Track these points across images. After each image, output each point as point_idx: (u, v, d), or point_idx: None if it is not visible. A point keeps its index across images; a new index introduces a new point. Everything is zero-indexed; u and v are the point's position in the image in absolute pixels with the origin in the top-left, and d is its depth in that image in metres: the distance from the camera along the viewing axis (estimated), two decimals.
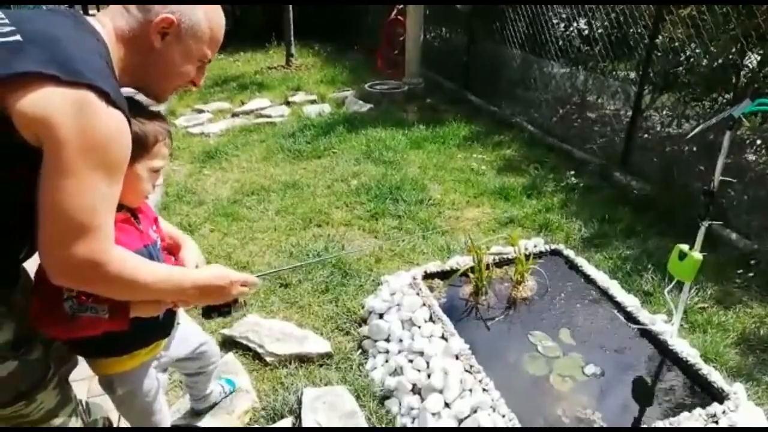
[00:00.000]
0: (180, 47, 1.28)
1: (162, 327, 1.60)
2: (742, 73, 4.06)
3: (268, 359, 2.53)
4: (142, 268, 1.22)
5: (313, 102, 6.42)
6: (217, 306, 1.50)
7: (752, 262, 3.09)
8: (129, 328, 1.33)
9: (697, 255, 2.22)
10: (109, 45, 1.21)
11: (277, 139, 5.21)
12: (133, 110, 1.35)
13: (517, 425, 1.99)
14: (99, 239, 1.11)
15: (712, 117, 2.23)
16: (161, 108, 6.25)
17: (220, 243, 3.47)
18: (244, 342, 2.61)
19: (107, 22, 1.23)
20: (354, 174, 4.45)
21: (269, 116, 5.91)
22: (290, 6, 7.64)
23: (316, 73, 7.74)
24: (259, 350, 2.57)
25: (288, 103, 6.39)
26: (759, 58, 4.01)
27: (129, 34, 1.23)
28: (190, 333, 1.89)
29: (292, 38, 7.92)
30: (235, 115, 6.05)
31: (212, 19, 1.33)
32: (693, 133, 2.18)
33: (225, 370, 2.42)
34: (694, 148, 4.43)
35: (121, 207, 1.39)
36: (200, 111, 6.11)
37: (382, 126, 5.46)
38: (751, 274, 3.04)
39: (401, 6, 6.82)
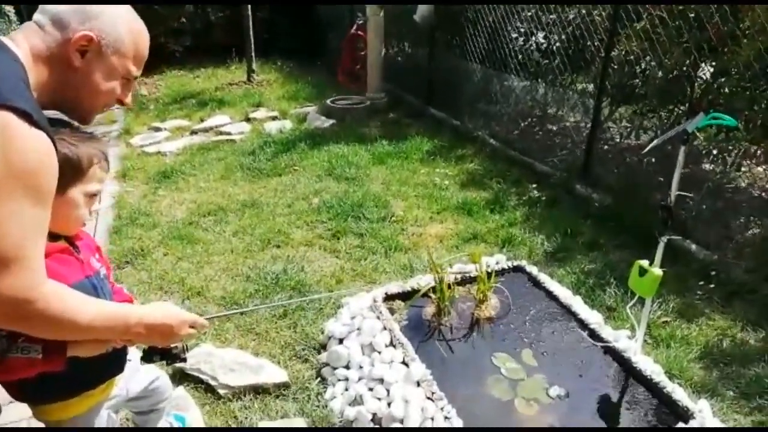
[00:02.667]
0: (102, 65, 1.21)
1: (116, 362, 1.49)
2: (696, 84, 4.12)
3: (221, 392, 2.40)
4: (79, 306, 1.12)
5: (274, 118, 6.31)
6: (161, 348, 1.39)
7: (713, 273, 3.10)
8: (79, 366, 1.24)
9: (657, 271, 2.20)
10: (26, 65, 1.12)
11: (237, 157, 5.08)
12: (65, 132, 1.26)
13: None
14: (24, 274, 1.01)
15: (668, 130, 2.22)
16: (115, 128, 6.07)
17: (173, 267, 3.32)
18: (196, 374, 2.47)
19: (22, 42, 1.15)
20: (315, 192, 4.35)
21: (229, 133, 5.78)
22: (251, 21, 7.54)
23: (278, 88, 7.64)
24: (212, 382, 2.43)
25: (248, 120, 6.27)
26: (712, 69, 4.09)
27: (46, 53, 1.16)
28: (140, 368, 1.76)
29: (253, 54, 7.81)
30: (193, 132, 5.90)
31: (135, 33, 1.26)
32: (649, 147, 2.17)
33: (175, 405, 2.27)
34: (653, 159, 4.48)
35: (58, 237, 1.30)
36: (157, 129, 5.94)
37: (344, 142, 5.39)
38: (712, 285, 3.04)
39: (361, 21, 6.79)
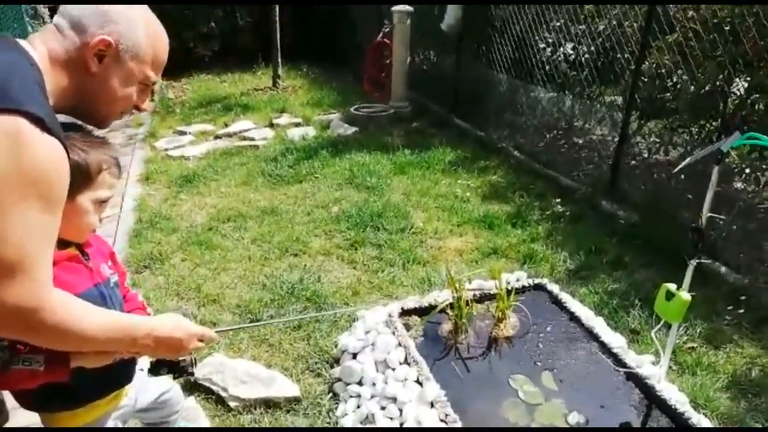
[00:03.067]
0: (120, 70, 1.20)
1: (124, 372, 1.47)
2: (730, 100, 3.99)
3: (232, 404, 2.37)
4: (85, 316, 1.10)
5: (297, 125, 6.31)
6: (169, 361, 1.36)
7: (742, 297, 2.97)
8: (84, 377, 1.22)
9: (685, 295, 2.11)
10: (43, 69, 1.11)
11: (259, 163, 5.09)
12: (76, 137, 1.25)
13: None
14: (31, 282, 0.99)
15: (701, 148, 2.12)
16: (141, 130, 6.14)
17: (191, 273, 3.32)
18: (207, 384, 2.45)
19: (40, 45, 1.14)
20: (335, 200, 4.32)
21: (252, 139, 5.80)
22: (278, 27, 7.57)
23: (303, 95, 7.66)
24: (223, 394, 2.41)
25: (272, 126, 6.28)
26: (746, 84, 3.95)
27: (64, 57, 1.14)
28: (152, 378, 1.74)
29: (279, 59, 7.84)
30: (217, 137, 5.93)
31: (154, 38, 1.24)
32: (681, 165, 2.08)
33: (185, 416, 2.24)
34: (682, 177, 4.35)
35: (67, 243, 1.28)
36: (182, 133, 5.99)
37: (366, 150, 5.35)
38: (741, 311, 2.92)
39: (387, 29, 6.77)
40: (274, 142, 5.75)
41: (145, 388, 1.70)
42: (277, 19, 7.54)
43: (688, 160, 2.09)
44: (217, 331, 1.39)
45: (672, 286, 2.15)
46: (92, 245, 1.40)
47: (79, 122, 1.29)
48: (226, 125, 6.29)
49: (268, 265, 3.44)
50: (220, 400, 2.38)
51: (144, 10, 1.25)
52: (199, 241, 3.67)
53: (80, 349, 1.18)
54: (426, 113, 6.63)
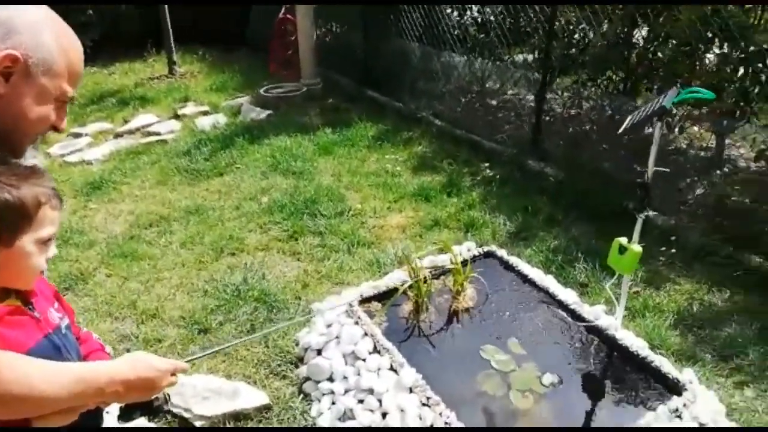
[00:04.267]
0: (31, 88, 1.03)
1: (93, 419, 1.29)
2: (634, 51, 4.19)
3: (197, 423, 2.21)
4: (38, 376, 0.95)
5: (205, 113, 5.94)
6: (140, 403, 1.21)
7: (672, 238, 3.17)
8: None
9: (636, 247, 2.19)
10: None
11: (171, 159, 4.74)
12: (1, 170, 1.05)
13: None
14: None
15: (641, 108, 2.19)
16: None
17: (120, 289, 3.05)
18: (167, 407, 2.26)
19: None
20: (263, 190, 4.12)
21: (158, 133, 5.39)
22: (166, 8, 7.03)
23: (204, 80, 7.22)
24: (186, 415, 2.23)
25: (177, 117, 5.87)
26: (644, 34, 4.16)
27: None
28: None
29: (172, 44, 7.32)
30: (118, 135, 5.46)
31: (68, 47, 1.07)
32: (625, 125, 2.13)
33: None
34: (595, 128, 4.55)
35: (6, 293, 1.10)
36: (77, 135, 5.45)
37: (285, 133, 5.14)
38: (673, 251, 3.11)
39: (289, 4, 6.49)
40: (183, 134, 5.39)
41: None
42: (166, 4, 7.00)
43: (630, 118, 2.14)
44: (187, 360, 1.26)
45: (623, 240, 2.23)
46: (36, 291, 1.20)
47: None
48: (126, 121, 5.80)
49: (204, 268, 3.22)
50: (183, 422, 2.21)
51: (46, 11, 1.06)
52: (122, 252, 3.38)
53: (40, 413, 1.02)
54: (339, 88, 6.47)
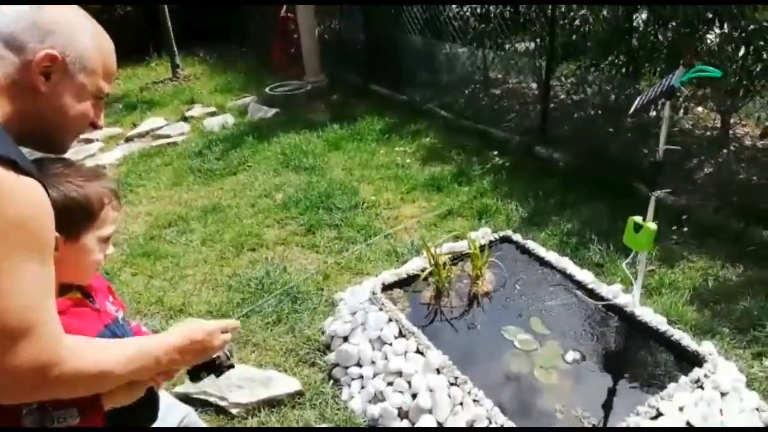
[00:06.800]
0: (70, 85, 1.06)
1: (149, 410, 1.37)
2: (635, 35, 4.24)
3: (234, 411, 2.29)
4: (104, 355, 1.01)
5: (213, 114, 6.00)
6: (204, 364, 1.28)
7: (683, 217, 3.23)
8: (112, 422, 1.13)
9: (651, 225, 2.25)
10: None
11: (184, 161, 4.81)
12: (68, 171, 1.12)
13: None
14: (41, 339, 0.90)
15: (649, 89, 2.24)
16: None
17: (146, 288, 3.12)
18: (203, 397, 2.34)
19: None
20: (276, 187, 4.19)
21: (168, 136, 5.45)
22: (167, 12, 7.08)
23: (208, 82, 7.27)
24: (222, 403, 2.32)
25: (186, 119, 5.93)
26: (644, 17, 4.21)
27: (6, 81, 1.00)
28: (168, 408, 1.64)
29: (175, 47, 7.37)
30: (129, 139, 5.53)
31: (101, 45, 1.10)
32: (634, 107, 2.19)
33: None
34: (599, 112, 4.60)
35: (68, 288, 1.17)
36: (88, 141, 5.50)
37: (293, 131, 5.21)
38: (685, 229, 3.18)
39: (290, 3, 6.53)
40: (193, 136, 5.45)
41: (163, 418, 1.60)
42: (166, 5, 7.05)
43: (639, 99, 2.20)
44: (237, 318, 1.32)
45: (638, 219, 2.29)
46: (93, 284, 1.28)
47: (41, 153, 1.15)
48: (135, 125, 5.87)
49: (227, 264, 3.30)
50: (220, 410, 2.30)
51: (78, 11, 1.10)
52: (144, 252, 3.45)
53: (107, 389, 1.09)
54: (342, 84, 6.52)
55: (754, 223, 3.06)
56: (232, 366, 1.32)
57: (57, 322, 0.95)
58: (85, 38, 1.07)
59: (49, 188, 0.98)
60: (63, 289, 1.17)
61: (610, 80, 4.56)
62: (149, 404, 1.36)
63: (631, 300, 2.49)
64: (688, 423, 1.94)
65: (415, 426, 2.07)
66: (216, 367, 1.28)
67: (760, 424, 2.04)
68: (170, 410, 1.64)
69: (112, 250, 1.25)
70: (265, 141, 5.03)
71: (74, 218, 1.09)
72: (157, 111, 6.30)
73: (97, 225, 1.15)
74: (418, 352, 2.31)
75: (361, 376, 2.35)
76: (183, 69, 7.63)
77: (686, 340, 2.27)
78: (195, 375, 1.28)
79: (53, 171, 1.11)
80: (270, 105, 5.98)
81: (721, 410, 2.01)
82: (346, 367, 2.41)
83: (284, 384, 2.38)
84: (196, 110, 6.11)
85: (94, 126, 1.16)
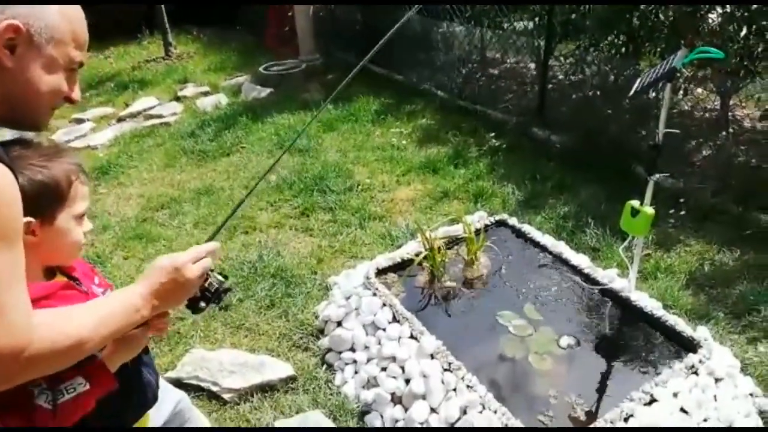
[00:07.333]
0: (38, 57, 1.00)
1: (142, 396, 1.34)
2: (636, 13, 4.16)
3: (226, 396, 2.28)
4: (72, 324, 0.96)
5: (206, 94, 5.92)
6: (199, 295, 1.21)
7: (681, 200, 3.20)
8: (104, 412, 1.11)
9: (649, 210, 2.22)
10: None
11: (176, 141, 4.75)
12: (27, 153, 1.08)
13: (512, 420, 1.90)
14: (9, 325, 0.87)
15: (650, 70, 2.19)
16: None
17: (138, 271, 3.09)
18: (195, 382, 2.33)
19: None
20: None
21: (161, 116, 5.38)
22: None
23: (201, 60, 7.16)
24: (214, 388, 2.30)
25: (178, 99, 5.85)
26: None
27: None
28: (163, 391, 1.61)
29: (167, 25, 7.23)
30: (121, 119, 5.45)
31: (68, 13, 1.04)
32: (635, 88, 2.14)
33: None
34: (597, 93, 4.54)
35: (52, 272, 1.16)
36: (80, 121, 5.44)
37: (287, 111, 5.14)
38: (682, 212, 3.15)
39: None
40: (185, 116, 5.38)
41: (160, 403, 1.58)
42: None
43: (639, 80, 2.15)
44: (207, 240, 1.28)
45: (635, 203, 2.26)
46: (76, 267, 1.25)
47: (10, 134, 1.10)
48: (127, 105, 5.78)
49: (220, 247, 3.26)
50: (212, 395, 2.28)
51: None
52: (136, 234, 3.41)
53: (90, 353, 1.04)
54: (337, 63, 6.41)
55: (752, 206, 3.03)
56: (228, 289, 1.26)
57: (25, 306, 0.90)
58: (52, 7, 1.00)
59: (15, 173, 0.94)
60: (47, 274, 1.15)
61: (609, 60, 4.49)
62: (142, 390, 1.35)
63: (626, 285, 2.47)
64: (682, 409, 1.93)
65: (409, 410, 2.06)
66: (213, 295, 1.22)
67: (753, 410, 2.03)
68: (165, 393, 1.62)
69: (89, 225, 1.21)
70: (259, 121, 4.97)
71: (44, 201, 1.05)
72: (149, 90, 6.20)
73: (68, 203, 1.11)
74: (412, 337, 2.29)
75: (355, 361, 2.34)
76: (176, 47, 7.51)
77: (681, 325, 2.25)
78: (193, 307, 1.22)
79: (12, 155, 1.07)
80: (264, 84, 5.89)
81: (715, 396, 2.00)
82: (340, 352, 2.40)
83: (277, 369, 2.36)
84: (189, 90, 6.02)
85: (69, 100, 1.09)
